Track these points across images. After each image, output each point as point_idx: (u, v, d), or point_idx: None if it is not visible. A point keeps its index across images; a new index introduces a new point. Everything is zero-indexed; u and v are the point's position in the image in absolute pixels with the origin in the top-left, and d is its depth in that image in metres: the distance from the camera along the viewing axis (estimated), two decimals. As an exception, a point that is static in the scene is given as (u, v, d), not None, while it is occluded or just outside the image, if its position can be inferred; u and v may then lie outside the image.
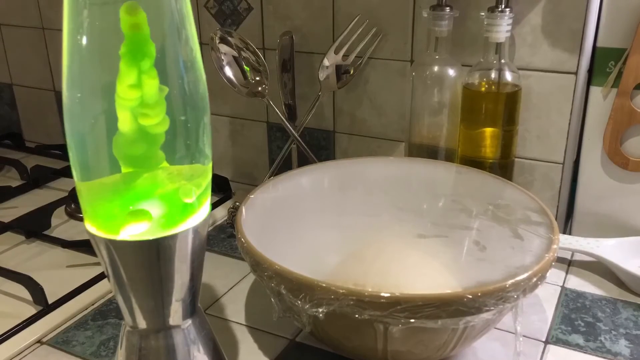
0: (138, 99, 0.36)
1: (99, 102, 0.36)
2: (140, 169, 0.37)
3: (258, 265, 0.46)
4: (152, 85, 0.36)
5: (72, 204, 0.75)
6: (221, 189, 0.81)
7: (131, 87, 0.35)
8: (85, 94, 0.36)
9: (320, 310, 0.42)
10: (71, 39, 0.35)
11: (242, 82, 0.69)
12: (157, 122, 0.37)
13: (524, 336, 0.52)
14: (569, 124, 0.65)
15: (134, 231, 0.37)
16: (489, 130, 0.64)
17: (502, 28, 0.60)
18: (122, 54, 0.35)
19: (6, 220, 0.72)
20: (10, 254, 0.67)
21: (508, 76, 0.63)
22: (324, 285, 0.42)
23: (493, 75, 0.63)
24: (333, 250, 0.59)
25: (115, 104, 0.36)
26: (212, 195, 0.42)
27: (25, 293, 0.58)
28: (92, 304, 0.59)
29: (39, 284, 0.57)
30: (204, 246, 0.41)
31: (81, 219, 0.71)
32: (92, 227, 0.38)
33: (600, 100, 0.63)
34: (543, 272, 0.45)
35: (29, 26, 0.95)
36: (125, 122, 0.36)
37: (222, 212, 0.76)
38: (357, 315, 0.41)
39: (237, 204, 0.70)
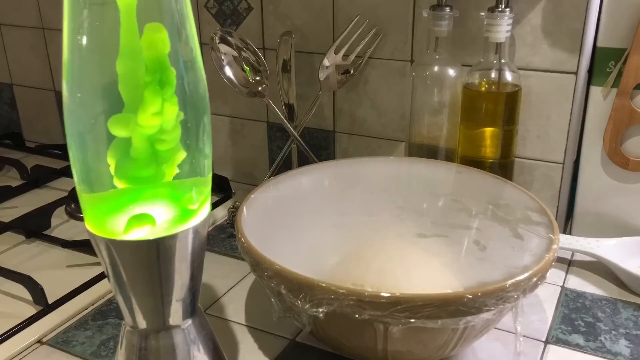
0: (158, 126, 0.36)
1: (99, 102, 0.36)
2: (143, 186, 0.37)
3: (258, 265, 0.46)
4: (172, 112, 0.36)
5: (72, 204, 0.75)
6: (221, 189, 0.81)
7: (154, 115, 0.36)
8: (85, 94, 0.36)
9: (320, 310, 0.42)
10: (71, 39, 0.35)
11: (242, 82, 0.69)
12: (173, 147, 0.37)
13: (524, 336, 0.52)
14: (569, 124, 0.65)
15: (137, 235, 0.37)
16: (489, 130, 0.64)
17: (502, 28, 0.60)
18: (147, 82, 0.35)
19: (6, 220, 0.72)
20: (10, 254, 0.67)
21: (508, 76, 0.63)
22: (324, 285, 0.42)
23: (493, 75, 0.63)
24: (333, 249, 0.59)
25: (112, 115, 0.36)
26: (212, 195, 0.42)
27: (25, 293, 0.58)
28: (92, 304, 0.59)
29: (39, 284, 0.57)
30: (204, 246, 0.41)
31: (81, 219, 0.71)
32: (93, 230, 0.38)
33: (600, 100, 0.63)
34: (543, 272, 0.45)
35: (29, 26, 0.95)
36: (140, 149, 0.36)
37: (222, 212, 0.76)
38: (357, 315, 0.41)
39: (237, 203, 0.70)
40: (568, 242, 0.63)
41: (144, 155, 0.37)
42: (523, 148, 0.67)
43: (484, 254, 0.56)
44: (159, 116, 0.36)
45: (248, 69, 0.69)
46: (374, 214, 0.62)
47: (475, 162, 0.65)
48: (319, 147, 0.78)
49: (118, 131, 0.36)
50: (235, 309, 0.58)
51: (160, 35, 0.35)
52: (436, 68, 0.65)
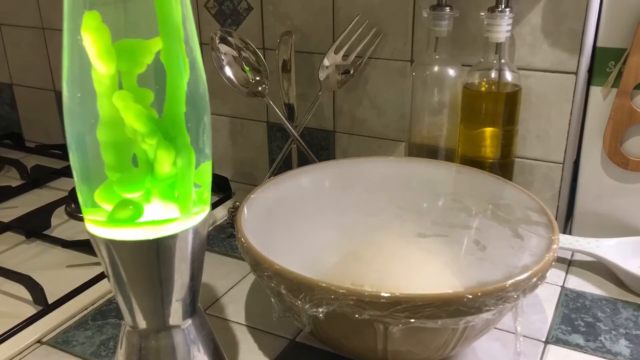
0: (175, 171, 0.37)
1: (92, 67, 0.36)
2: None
3: (258, 265, 0.46)
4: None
5: (72, 204, 0.75)
6: (221, 189, 0.81)
7: (172, 166, 0.37)
8: (85, 94, 0.36)
9: (320, 310, 0.42)
10: (71, 39, 0.35)
11: (242, 82, 0.69)
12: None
13: (524, 336, 0.52)
14: (569, 124, 0.65)
15: (135, 235, 0.37)
16: (489, 130, 0.64)
17: (502, 28, 0.60)
18: (154, 144, 0.36)
19: (6, 220, 0.72)
20: (10, 254, 0.67)
21: (508, 76, 0.63)
22: (324, 285, 0.42)
23: (493, 75, 0.63)
24: (333, 249, 0.59)
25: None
26: (212, 195, 0.42)
27: (25, 293, 0.58)
28: (92, 304, 0.59)
29: (39, 284, 0.57)
30: (204, 246, 0.41)
31: (81, 219, 0.70)
32: (93, 230, 0.38)
33: (600, 100, 0.63)
34: (543, 272, 0.45)
35: (29, 26, 0.95)
36: (161, 194, 0.37)
37: (222, 212, 0.76)
38: (357, 315, 0.41)
39: (237, 203, 0.70)
40: (568, 242, 0.63)
41: (166, 195, 0.37)
42: (523, 148, 0.67)
43: (484, 253, 0.56)
44: (175, 165, 0.37)
45: (248, 69, 0.69)
46: (374, 214, 0.62)
47: (475, 162, 0.65)
48: (319, 147, 0.78)
49: (131, 192, 0.37)
50: (235, 309, 0.58)
51: (132, 101, 0.35)
52: (436, 68, 0.65)
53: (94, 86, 0.35)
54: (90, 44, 0.34)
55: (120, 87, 0.35)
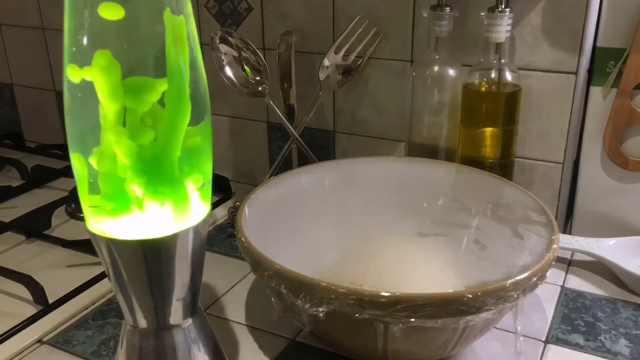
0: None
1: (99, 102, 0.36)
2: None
3: (258, 264, 0.46)
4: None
5: (72, 204, 0.75)
6: (221, 189, 0.81)
7: (161, 205, 0.38)
8: (85, 94, 0.36)
9: (321, 309, 0.42)
10: (71, 39, 0.35)
11: (242, 82, 0.69)
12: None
13: (524, 336, 0.52)
14: (569, 124, 0.65)
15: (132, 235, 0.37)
16: (489, 130, 0.64)
17: (502, 28, 0.60)
18: (141, 183, 0.37)
19: (6, 220, 0.72)
20: (11, 254, 0.67)
21: (508, 76, 0.63)
22: (324, 284, 0.42)
23: (493, 75, 0.63)
24: (333, 249, 0.59)
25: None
26: (212, 195, 0.42)
27: (25, 293, 0.58)
28: (93, 304, 0.59)
29: (39, 284, 0.57)
30: (204, 246, 0.41)
31: (81, 219, 0.71)
32: (93, 230, 0.38)
33: (600, 100, 0.63)
34: (543, 272, 0.45)
35: (29, 26, 0.95)
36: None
37: (222, 212, 0.76)
38: (357, 315, 0.42)
39: (238, 203, 0.70)
40: (568, 242, 0.63)
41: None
42: (523, 148, 0.67)
43: (484, 253, 0.56)
44: (163, 204, 0.37)
45: (248, 69, 0.69)
46: (373, 214, 0.62)
47: (475, 162, 0.65)
48: (319, 147, 0.78)
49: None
50: (235, 309, 0.58)
51: (126, 137, 0.35)
52: (436, 68, 0.65)
53: (100, 120, 0.35)
54: (99, 83, 0.34)
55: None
